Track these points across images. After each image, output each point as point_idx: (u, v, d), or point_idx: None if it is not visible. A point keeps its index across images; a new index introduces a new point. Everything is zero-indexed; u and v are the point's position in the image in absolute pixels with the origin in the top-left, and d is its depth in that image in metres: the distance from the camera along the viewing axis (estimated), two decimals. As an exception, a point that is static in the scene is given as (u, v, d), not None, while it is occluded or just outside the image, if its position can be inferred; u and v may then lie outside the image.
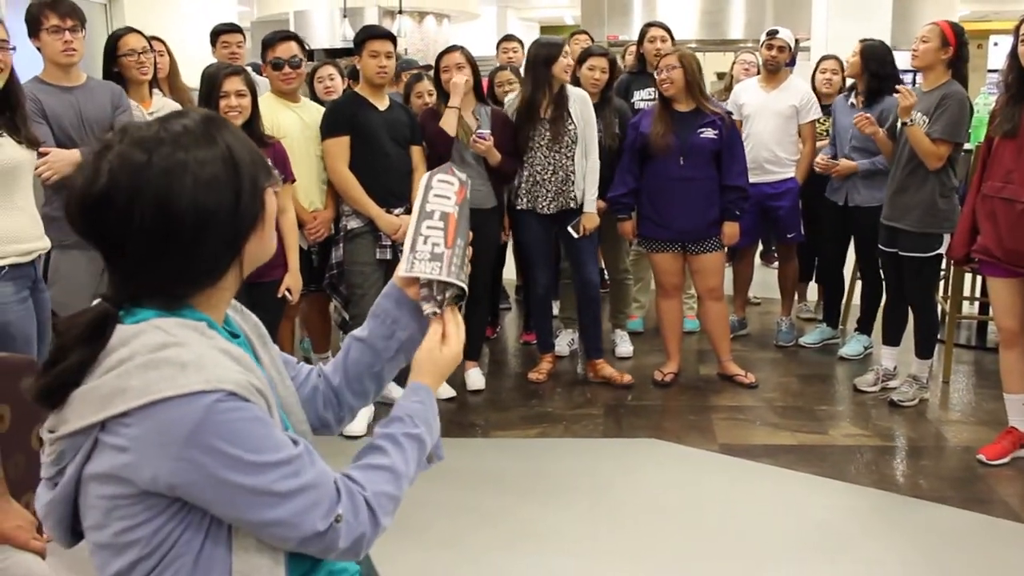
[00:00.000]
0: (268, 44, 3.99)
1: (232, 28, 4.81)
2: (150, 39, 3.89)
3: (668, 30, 5.09)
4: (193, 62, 4.71)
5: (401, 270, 1.44)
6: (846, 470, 3.49)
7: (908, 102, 3.83)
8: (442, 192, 1.48)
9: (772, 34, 4.97)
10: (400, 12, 11.06)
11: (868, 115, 4.22)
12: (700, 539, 3.00)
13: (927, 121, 3.84)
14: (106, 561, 1.12)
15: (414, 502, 3.24)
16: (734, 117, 4.57)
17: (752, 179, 4.52)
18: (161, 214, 1.11)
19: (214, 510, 1.10)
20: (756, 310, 5.77)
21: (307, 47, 4.19)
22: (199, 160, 1.14)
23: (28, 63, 3.18)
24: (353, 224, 3.98)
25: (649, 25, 5.19)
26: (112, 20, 8.14)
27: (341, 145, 3.92)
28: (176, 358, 1.06)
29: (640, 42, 5.19)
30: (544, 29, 19.29)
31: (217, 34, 4.81)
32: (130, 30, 3.81)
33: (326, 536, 1.13)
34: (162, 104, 3.84)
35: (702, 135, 4.22)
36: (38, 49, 3.31)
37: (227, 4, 10.32)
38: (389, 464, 1.24)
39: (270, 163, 1.28)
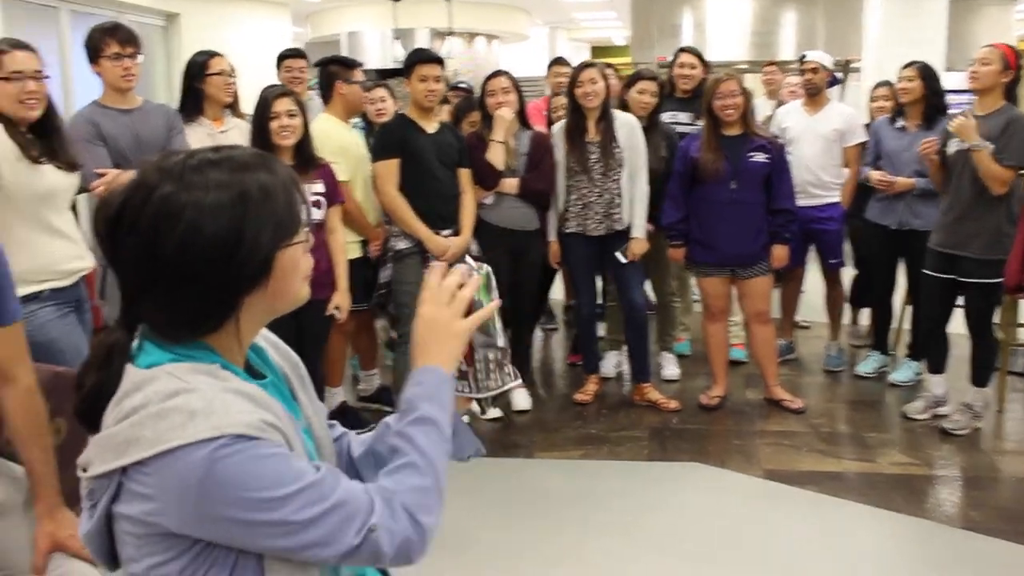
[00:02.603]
0: (353, 65, 4.16)
1: (296, 53, 4.95)
2: None
3: (699, 55, 5.07)
4: (251, 84, 4.81)
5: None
6: (894, 499, 3.44)
7: (971, 126, 3.78)
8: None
9: (803, 59, 5.00)
10: (450, 33, 11.19)
11: (933, 139, 4.15)
12: (742, 566, 2.97)
13: (990, 146, 3.78)
14: None
15: (454, 520, 3.27)
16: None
17: (797, 203, 4.49)
18: (147, 251, 1.10)
19: (245, 546, 1.10)
20: (805, 334, 5.70)
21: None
22: (198, 206, 1.10)
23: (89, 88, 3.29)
24: (401, 245, 4.03)
25: (681, 50, 5.19)
26: (170, 42, 8.36)
27: (391, 167, 3.98)
28: (185, 406, 1.06)
29: (671, 65, 5.18)
30: (595, 51, 19.36)
31: (282, 58, 4.94)
32: (215, 53, 3.95)
33: (362, 548, 1.11)
34: (233, 123, 3.97)
35: (753, 159, 4.21)
36: (98, 74, 3.43)
37: (283, 26, 10.54)
38: (406, 461, 1.19)
39: (309, 205, 1.23)
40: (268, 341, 1.37)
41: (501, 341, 1.40)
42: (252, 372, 1.26)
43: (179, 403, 1.06)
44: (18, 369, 1.91)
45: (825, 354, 5.12)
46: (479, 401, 1.48)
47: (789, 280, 5.20)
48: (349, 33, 12.50)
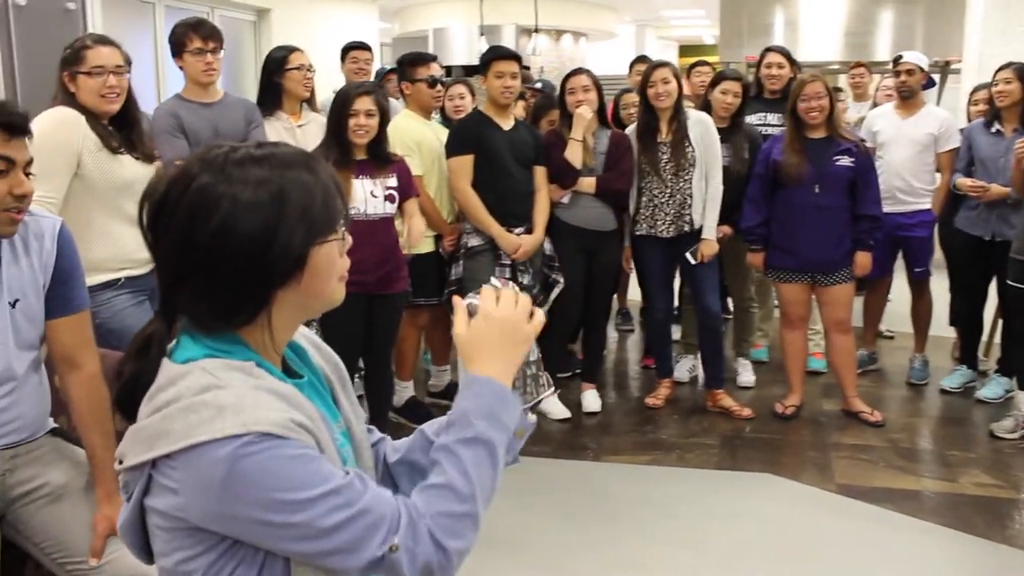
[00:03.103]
0: (418, 62, 4.15)
1: (362, 46, 4.98)
2: None
3: (787, 55, 4.93)
4: (340, 80, 4.88)
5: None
6: (975, 523, 3.28)
7: None
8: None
9: (897, 60, 4.79)
10: (536, 31, 11.16)
11: None
12: (811, 583, 2.88)
13: None
14: None
15: (514, 519, 3.27)
16: (868, 144, 4.41)
17: (884, 209, 4.34)
18: (183, 240, 1.11)
19: (267, 547, 1.09)
20: (889, 345, 5.51)
21: (442, 66, 4.36)
22: (235, 200, 1.10)
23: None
24: (474, 242, 4.03)
25: (768, 50, 5.05)
26: (260, 36, 8.53)
27: (465, 163, 3.98)
28: (215, 401, 1.06)
29: (758, 65, 5.05)
30: (683, 49, 19.10)
31: (347, 50, 4.99)
32: (296, 48, 4.00)
33: (383, 563, 1.09)
34: (310, 118, 4.01)
35: (838, 163, 4.08)
36: (180, 68, 3.50)
37: (370, 21, 10.67)
38: (444, 481, 1.14)
39: (346, 206, 1.21)
40: (310, 341, 1.36)
41: (535, 354, 1.37)
42: (289, 371, 1.26)
43: (209, 398, 1.06)
44: (84, 356, 1.97)
45: (909, 366, 4.94)
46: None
47: (874, 288, 5.04)
48: (435, 29, 12.59)
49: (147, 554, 1.18)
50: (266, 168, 1.13)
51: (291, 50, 3.95)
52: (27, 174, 1.84)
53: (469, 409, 1.18)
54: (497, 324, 1.23)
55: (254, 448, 1.03)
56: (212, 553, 1.10)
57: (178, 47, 3.45)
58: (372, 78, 4.98)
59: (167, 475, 1.07)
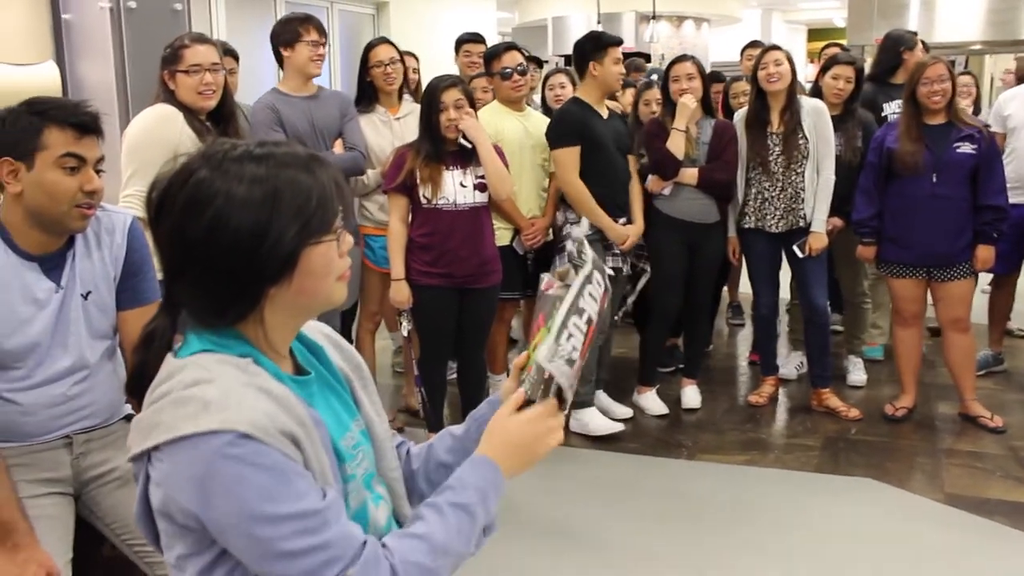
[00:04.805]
0: (493, 56, 4.08)
1: (475, 38, 4.92)
2: (403, 54, 4.06)
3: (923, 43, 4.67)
4: (453, 70, 4.87)
5: (542, 356, 1.27)
6: (1099, 540, 3.04)
7: None
8: (593, 293, 1.33)
9: None
10: (654, 17, 10.96)
11: None
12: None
13: None
14: None
15: (601, 517, 3.21)
16: (996, 130, 4.12)
17: (1013, 199, 4.06)
18: (179, 233, 1.12)
19: (234, 553, 1.09)
20: (1019, 345, 5.16)
21: (527, 53, 4.25)
22: (229, 196, 1.11)
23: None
24: (577, 231, 3.96)
25: (913, 33, 4.79)
26: (379, 29, 8.68)
27: (573, 155, 3.88)
28: (201, 395, 1.07)
29: (898, 50, 4.77)
30: (812, 32, 18.42)
31: (460, 43, 4.93)
32: (383, 41, 4.01)
33: None
34: (410, 109, 3.98)
35: (959, 150, 3.83)
36: (282, 60, 3.57)
37: (488, 11, 10.70)
38: (425, 532, 1.16)
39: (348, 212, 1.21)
40: (329, 339, 1.37)
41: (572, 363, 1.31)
42: (298, 369, 1.26)
43: (196, 392, 1.08)
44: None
45: (1039, 369, 4.62)
46: None
47: (1000, 285, 4.72)
48: (554, 18, 12.53)
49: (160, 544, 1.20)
50: (263, 166, 1.14)
51: (374, 45, 3.95)
52: (98, 171, 1.91)
53: (469, 481, 1.22)
54: (529, 437, 1.26)
55: (234, 450, 1.04)
56: (207, 555, 1.11)
57: (294, 37, 3.52)
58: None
59: (156, 467, 1.10)
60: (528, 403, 1.27)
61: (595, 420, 4.02)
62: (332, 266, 1.19)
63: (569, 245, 1.32)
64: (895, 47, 4.78)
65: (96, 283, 1.99)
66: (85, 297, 1.97)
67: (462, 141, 3.47)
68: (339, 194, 1.19)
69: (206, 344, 1.15)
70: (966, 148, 3.83)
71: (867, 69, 4.87)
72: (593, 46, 3.96)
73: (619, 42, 4.00)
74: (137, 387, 1.18)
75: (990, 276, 4.72)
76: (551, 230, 4.11)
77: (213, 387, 1.08)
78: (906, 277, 4.03)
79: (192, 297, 1.16)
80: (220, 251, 1.11)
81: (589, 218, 3.89)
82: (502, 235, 3.94)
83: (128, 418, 2.13)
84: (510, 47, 4.10)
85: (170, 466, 1.07)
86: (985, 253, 3.90)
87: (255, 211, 1.11)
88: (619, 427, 4.03)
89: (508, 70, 4.00)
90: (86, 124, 1.87)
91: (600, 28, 10.85)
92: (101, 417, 2.05)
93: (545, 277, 1.38)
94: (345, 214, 1.21)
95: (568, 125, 3.93)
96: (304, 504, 1.06)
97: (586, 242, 1.38)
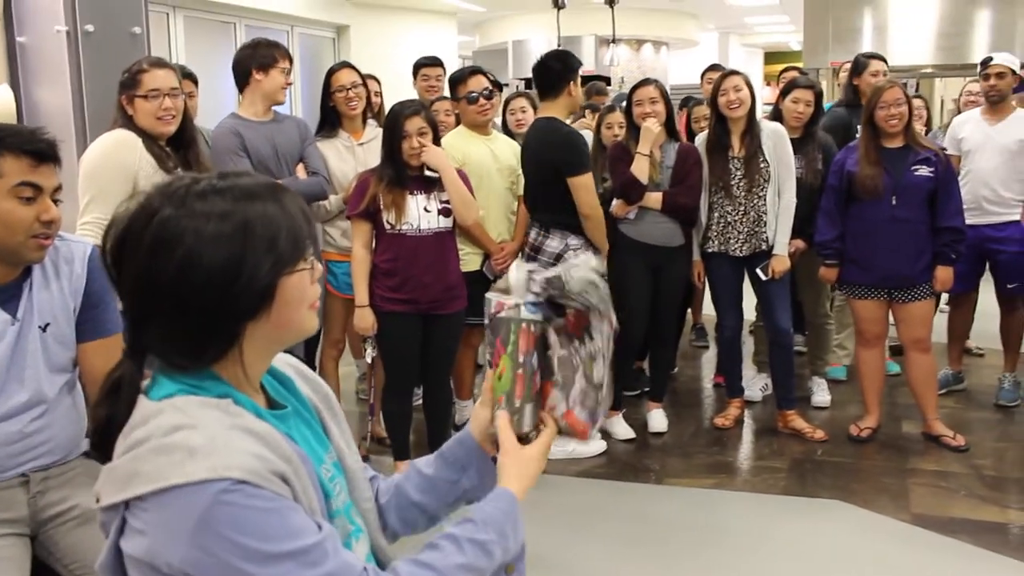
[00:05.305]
0: (458, 80, 4.06)
1: (433, 62, 4.91)
2: (365, 77, 4.02)
3: (885, 61, 4.76)
4: (415, 93, 4.85)
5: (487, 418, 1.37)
6: (1064, 559, 3.07)
7: None
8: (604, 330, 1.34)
9: (986, 62, 4.53)
10: (613, 41, 11.05)
11: None
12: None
13: None
14: None
15: (568, 542, 3.19)
16: (951, 152, 4.19)
17: (970, 220, 4.12)
18: (146, 275, 1.08)
19: None
20: (978, 363, 5.24)
21: (491, 78, 4.23)
22: (199, 234, 1.07)
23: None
24: (553, 245, 3.90)
25: (871, 56, 4.87)
26: (339, 52, 8.66)
27: (592, 179, 3.87)
28: (185, 443, 1.03)
29: (859, 73, 4.85)
30: (768, 55, 18.72)
31: (419, 67, 4.91)
32: (344, 65, 3.97)
33: None
34: (374, 134, 3.91)
35: (917, 173, 3.89)
36: (256, 81, 3.53)
37: (449, 35, 10.73)
38: (437, 563, 1.14)
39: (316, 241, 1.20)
40: (296, 370, 1.34)
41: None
42: (271, 402, 1.23)
43: (179, 439, 1.03)
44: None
45: (998, 387, 4.67)
46: None
47: (958, 304, 4.79)
48: (515, 41, 12.60)
49: None
50: (229, 199, 1.11)
51: (336, 69, 3.92)
52: (55, 200, 1.86)
53: (492, 518, 1.22)
54: (535, 461, 1.32)
55: (228, 497, 1.01)
56: None
57: (268, 62, 3.51)
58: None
59: (138, 516, 1.05)
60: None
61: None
62: (306, 294, 1.17)
63: (575, 285, 1.30)
64: (854, 72, 4.88)
65: (55, 314, 1.93)
66: (43, 329, 1.91)
67: (428, 172, 3.44)
68: (307, 220, 1.17)
69: (180, 386, 1.11)
70: (924, 171, 3.89)
71: (824, 91, 4.96)
72: (572, 65, 3.93)
73: (581, 64, 4.03)
74: (103, 442, 1.12)
75: (947, 296, 4.80)
76: (521, 253, 4.09)
77: (197, 433, 1.04)
78: (868, 298, 4.07)
79: (164, 340, 1.12)
80: (193, 290, 1.07)
81: (601, 244, 3.88)
82: (472, 260, 3.92)
83: (88, 454, 2.07)
84: (475, 71, 4.08)
85: (157, 515, 1.03)
86: (944, 274, 3.95)
87: (227, 246, 1.08)
88: (601, 447, 4.09)
89: (474, 94, 3.99)
90: (43, 152, 1.82)
91: (561, 51, 10.92)
92: (59, 454, 1.98)
93: (493, 298, 1.34)
94: (312, 241, 1.18)
95: (585, 150, 3.92)
96: (303, 539, 1.04)
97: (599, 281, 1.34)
